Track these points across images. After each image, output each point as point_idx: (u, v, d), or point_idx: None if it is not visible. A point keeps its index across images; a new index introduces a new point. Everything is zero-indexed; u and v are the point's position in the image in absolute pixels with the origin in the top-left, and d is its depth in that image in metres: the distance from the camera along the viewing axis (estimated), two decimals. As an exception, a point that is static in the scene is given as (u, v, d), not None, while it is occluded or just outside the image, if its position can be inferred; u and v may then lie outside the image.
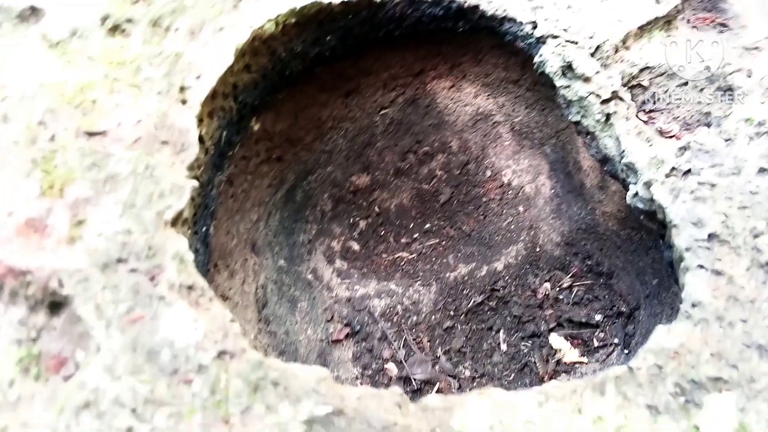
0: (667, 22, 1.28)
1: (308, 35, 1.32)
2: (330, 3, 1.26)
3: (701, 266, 0.83)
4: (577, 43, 1.21)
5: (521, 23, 1.29)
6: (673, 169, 0.99)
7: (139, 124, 0.91)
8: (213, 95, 1.13)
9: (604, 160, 1.16)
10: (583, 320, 1.41)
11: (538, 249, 1.53)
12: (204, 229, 1.20)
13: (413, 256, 1.61)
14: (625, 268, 1.44)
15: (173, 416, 0.64)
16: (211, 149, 1.18)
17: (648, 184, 0.98)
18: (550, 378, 1.36)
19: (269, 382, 0.68)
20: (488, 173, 1.66)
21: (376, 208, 1.67)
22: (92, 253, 0.73)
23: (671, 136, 1.21)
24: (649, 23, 1.26)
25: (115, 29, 1.06)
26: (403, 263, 1.60)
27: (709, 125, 1.15)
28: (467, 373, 1.42)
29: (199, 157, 1.10)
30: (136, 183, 0.82)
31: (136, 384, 0.65)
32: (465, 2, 1.33)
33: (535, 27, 1.27)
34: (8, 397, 0.65)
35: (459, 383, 1.40)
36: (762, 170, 0.93)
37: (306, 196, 1.58)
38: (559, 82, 1.20)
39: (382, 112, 1.60)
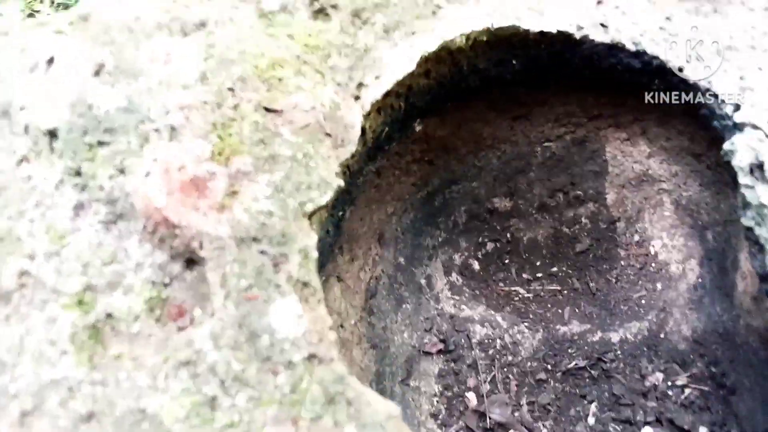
0: None
1: (495, 55, 1.31)
2: (527, 31, 1.24)
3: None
4: (778, 143, 1.10)
5: (723, 101, 1.19)
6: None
7: (311, 111, 0.97)
8: (387, 94, 1.17)
9: (765, 278, 1.06)
10: (686, 427, 1.31)
11: (662, 335, 1.43)
12: (341, 213, 1.27)
13: (530, 295, 1.58)
14: (752, 390, 1.31)
15: (253, 400, 0.70)
16: (370, 142, 1.23)
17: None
18: (629, 471, 1.29)
19: (345, 400, 0.72)
20: (636, 238, 1.57)
21: (509, 236, 1.64)
22: (234, 225, 0.79)
23: None
24: None
25: (319, 12, 1.12)
26: (517, 299, 1.57)
27: None
28: (544, 431, 1.38)
29: (357, 150, 1.16)
30: (291, 169, 0.88)
31: (232, 359, 0.71)
32: (668, 62, 1.25)
33: (737, 110, 1.17)
34: (131, 329, 0.74)
35: (532, 437, 1.37)
36: None
37: (444, 203, 1.59)
38: (743, 179, 1.09)
39: (546, 144, 1.56)
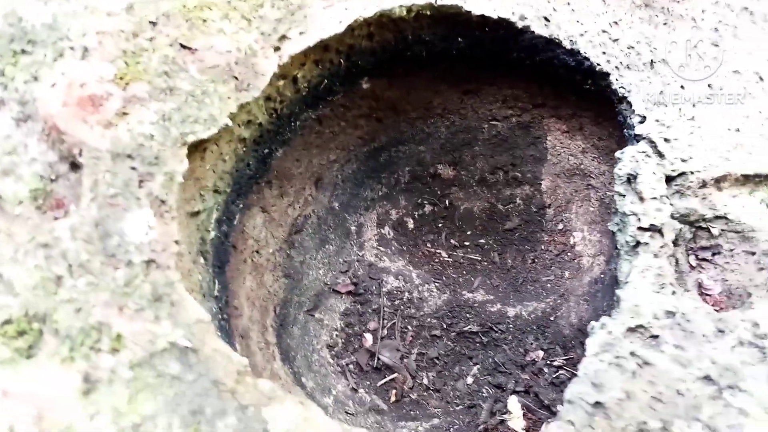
0: (784, 186, 1.17)
1: (439, 31, 1.38)
2: (469, 12, 1.30)
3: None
4: (663, 156, 1.15)
5: (633, 111, 1.24)
6: (641, 327, 0.96)
7: (225, 54, 1.08)
8: (325, 48, 1.27)
9: (615, 282, 1.14)
10: (547, 403, 1.43)
11: (552, 318, 1.53)
12: (266, 151, 1.38)
13: (450, 260, 1.68)
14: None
15: (91, 285, 0.85)
16: (303, 90, 1.33)
17: (603, 325, 0.97)
18: (486, 431, 1.42)
19: (169, 301, 0.86)
20: (560, 226, 1.64)
21: (447, 202, 1.74)
22: (115, 141, 0.93)
23: (708, 295, 1.15)
24: (760, 177, 1.16)
25: (263, -38, 1.21)
26: (437, 261, 1.68)
27: (736, 307, 1.07)
28: (425, 381, 1.51)
29: (284, 95, 1.26)
30: (184, 102, 1.00)
31: (80, 249, 0.86)
32: (598, 67, 1.30)
33: (642, 122, 1.22)
34: (14, 210, 0.89)
35: (413, 384, 1.51)
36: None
37: (389, 161, 1.69)
38: (618, 186, 1.16)
39: (493, 122, 1.63)
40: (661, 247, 1.08)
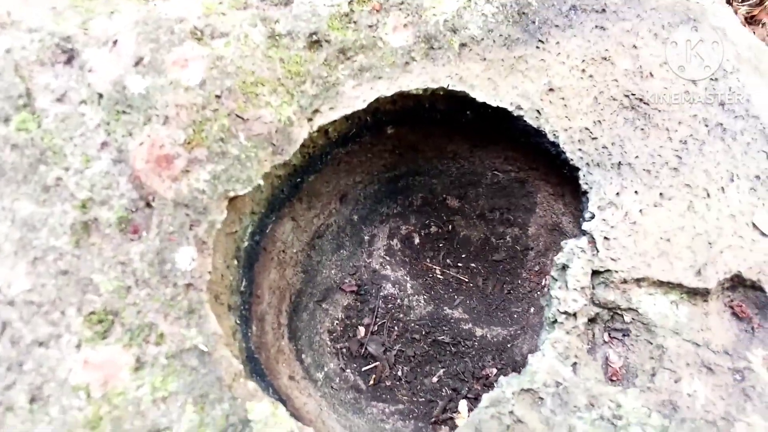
0: (693, 293, 1.43)
1: (451, 105, 1.66)
2: (474, 98, 1.57)
3: None
4: (598, 252, 1.44)
5: (588, 207, 1.51)
6: (531, 390, 1.29)
7: (269, 124, 1.42)
8: (346, 118, 1.58)
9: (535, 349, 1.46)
10: (488, 411, 1.78)
11: (510, 344, 1.86)
12: (299, 180, 1.73)
13: (441, 277, 2.02)
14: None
15: (149, 296, 1.25)
16: (334, 137, 1.66)
17: (502, 384, 1.31)
18: (436, 422, 1.80)
19: (198, 314, 1.26)
20: (537, 268, 1.94)
21: (450, 226, 2.06)
22: (177, 192, 1.30)
23: (611, 366, 1.46)
24: (672, 284, 1.42)
25: (314, 43, 1.52)
26: (431, 276, 2.03)
27: (629, 384, 1.38)
28: (399, 373, 1.90)
29: (316, 143, 1.60)
30: (231, 165, 1.36)
31: (145, 269, 1.26)
32: (571, 161, 1.55)
33: (591, 218, 1.49)
34: (103, 231, 1.29)
35: (390, 374, 1.90)
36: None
37: (406, 186, 2.02)
38: (553, 271, 1.46)
39: (495, 172, 1.92)
40: (573, 327, 1.39)
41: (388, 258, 2.02)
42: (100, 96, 1.35)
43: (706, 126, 1.57)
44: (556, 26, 1.60)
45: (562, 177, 1.76)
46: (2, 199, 1.26)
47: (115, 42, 1.38)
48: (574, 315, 1.39)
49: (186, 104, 1.35)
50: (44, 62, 1.36)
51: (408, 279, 2.01)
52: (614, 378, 1.42)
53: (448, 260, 2.04)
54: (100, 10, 1.42)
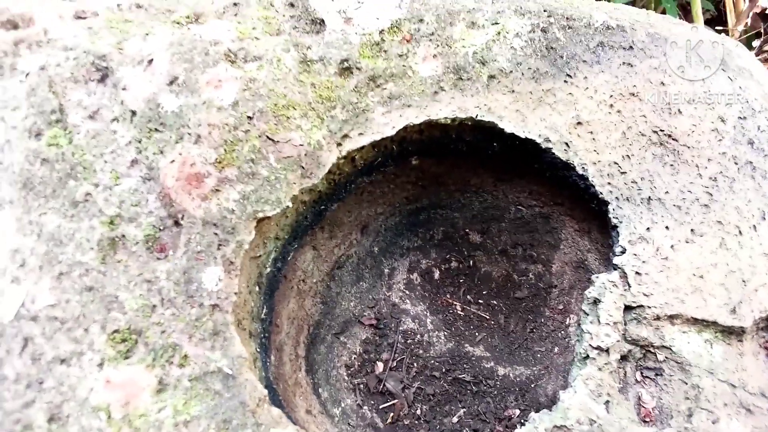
0: (728, 332, 1.39)
1: (479, 136, 1.66)
2: (502, 129, 1.57)
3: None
4: (630, 287, 1.40)
5: (618, 241, 1.49)
6: (564, 427, 1.24)
7: (299, 147, 1.42)
8: (378, 143, 1.58)
9: (566, 385, 1.41)
10: (510, 454, 1.72)
11: (534, 385, 1.81)
12: (322, 207, 1.72)
13: (462, 313, 1.98)
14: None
15: (174, 316, 1.22)
16: (360, 165, 1.65)
17: (533, 420, 1.26)
18: (456, 463, 1.73)
19: (223, 336, 1.22)
20: (561, 306, 1.91)
21: (471, 262, 2.03)
22: (207, 211, 1.29)
23: (643, 407, 1.40)
24: (707, 322, 1.39)
25: (346, 69, 1.53)
26: (451, 312, 1.99)
27: (664, 425, 1.32)
28: (419, 412, 1.84)
29: (342, 170, 1.59)
30: (261, 186, 1.35)
31: (171, 288, 1.23)
32: (600, 195, 1.53)
33: (622, 252, 1.47)
34: (132, 248, 1.27)
35: (408, 412, 1.84)
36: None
37: (428, 220, 2.00)
38: (584, 306, 1.42)
39: (519, 207, 1.90)
40: (606, 363, 1.34)
41: (407, 292, 1.99)
42: (133, 113, 1.35)
43: (736, 164, 1.56)
44: (584, 61, 1.61)
45: (589, 212, 1.75)
46: (30, 213, 1.25)
47: (150, 61, 1.39)
48: (607, 351, 1.34)
49: (218, 124, 1.35)
50: (78, 79, 1.36)
51: (428, 314, 1.97)
52: (647, 419, 1.36)
53: (468, 296, 2.01)
54: (135, 32, 1.44)
